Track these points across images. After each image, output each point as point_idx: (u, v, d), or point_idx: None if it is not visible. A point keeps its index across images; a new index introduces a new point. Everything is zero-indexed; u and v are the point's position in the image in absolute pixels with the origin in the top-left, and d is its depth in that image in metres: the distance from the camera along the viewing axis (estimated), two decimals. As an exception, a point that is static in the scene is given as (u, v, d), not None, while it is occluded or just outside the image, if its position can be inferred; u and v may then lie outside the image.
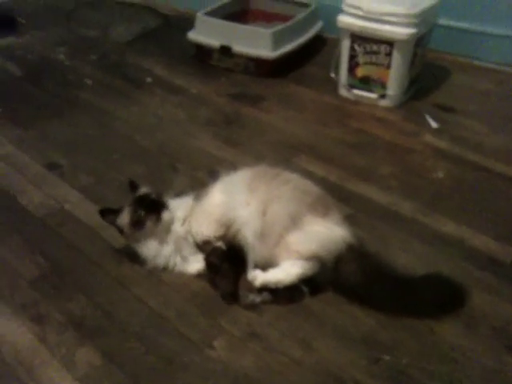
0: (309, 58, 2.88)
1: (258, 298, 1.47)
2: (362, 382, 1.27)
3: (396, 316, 1.42)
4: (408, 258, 1.59)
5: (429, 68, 2.64)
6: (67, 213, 1.80)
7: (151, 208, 1.53)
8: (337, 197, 1.66)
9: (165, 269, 1.56)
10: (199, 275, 1.55)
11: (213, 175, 1.72)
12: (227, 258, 1.51)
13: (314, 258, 1.46)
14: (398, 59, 2.35)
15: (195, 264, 1.56)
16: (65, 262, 1.61)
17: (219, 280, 1.50)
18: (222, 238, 1.53)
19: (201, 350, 1.35)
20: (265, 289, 1.47)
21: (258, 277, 1.47)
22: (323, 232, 1.49)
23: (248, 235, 1.50)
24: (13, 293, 1.51)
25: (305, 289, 1.48)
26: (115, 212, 1.57)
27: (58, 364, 1.31)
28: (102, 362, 1.31)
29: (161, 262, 1.55)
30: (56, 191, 1.91)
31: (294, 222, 1.49)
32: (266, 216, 1.51)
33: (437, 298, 1.46)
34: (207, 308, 1.46)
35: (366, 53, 2.41)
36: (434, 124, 2.32)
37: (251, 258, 1.51)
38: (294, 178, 1.62)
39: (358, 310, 1.44)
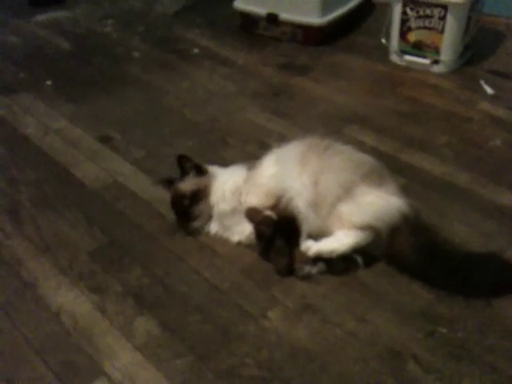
0: (358, 24, 2.82)
1: (313, 269, 1.46)
2: (419, 355, 1.26)
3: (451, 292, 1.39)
4: (466, 231, 1.55)
5: (483, 33, 2.53)
6: (121, 186, 1.83)
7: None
8: (390, 168, 1.62)
9: (213, 238, 1.59)
10: (251, 246, 1.55)
11: (264, 147, 1.71)
12: (279, 230, 1.51)
13: (367, 228, 1.45)
14: (452, 23, 2.27)
15: (237, 235, 1.58)
16: (121, 235, 1.64)
17: (274, 255, 1.49)
18: (273, 208, 1.52)
19: (256, 321, 1.36)
20: (319, 259, 1.46)
21: (311, 247, 1.46)
22: (377, 202, 1.47)
23: (300, 206, 1.49)
24: (71, 264, 1.54)
25: (359, 260, 1.47)
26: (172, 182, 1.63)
27: (117, 332, 1.34)
28: (160, 332, 1.34)
29: (208, 230, 1.60)
30: (109, 164, 1.94)
31: (347, 192, 1.47)
32: (318, 186, 1.49)
33: (493, 279, 1.42)
34: (261, 279, 1.47)
35: (419, 17, 2.33)
36: (489, 90, 2.23)
37: (304, 228, 1.50)
38: (347, 149, 1.59)
39: (412, 284, 1.42)
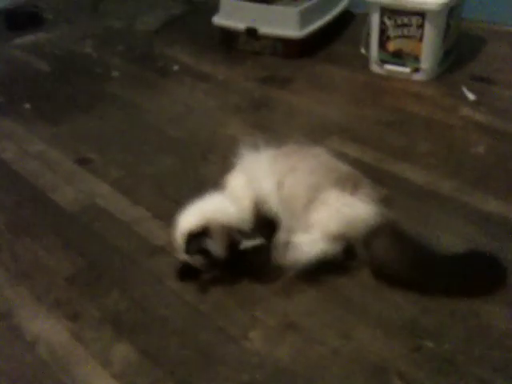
0: (337, 35, 2.80)
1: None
2: (405, 371, 1.22)
3: (437, 297, 1.36)
4: (450, 239, 1.51)
5: (463, 38, 2.52)
6: (100, 208, 1.79)
7: None
8: (372, 178, 1.59)
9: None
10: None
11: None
12: (260, 231, 1.47)
13: (337, 237, 1.41)
14: (430, 31, 2.25)
15: None
16: (99, 258, 1.60)
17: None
18: (253, 211, 1.48)
19: (237, 342, 1.32)
20: None
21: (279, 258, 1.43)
22: (348, 209, 1.43)
23: (273, 205, 1.46)
24: (48, 291, 1.50)
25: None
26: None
27: (94, 361, 1.30)
28: (138, 358, 1.30)
29: None
30: (88, 186, 1.90)
31: (316, 196, 1.44)
32: (284, 187, 1.46)
33: (479, 274, 1.40)
34: (243, 298, 1.43)
35: (397, 26, 2.32)
36: (471, 96, 2.21)
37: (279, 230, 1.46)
38: (321, 154, 1.56)
39: (398, 297, 1.38)
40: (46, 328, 1.40)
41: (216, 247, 1.43)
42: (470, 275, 1.39)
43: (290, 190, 1.46)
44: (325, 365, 1.25)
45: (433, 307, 1.35)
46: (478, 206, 1.65)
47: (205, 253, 1.42)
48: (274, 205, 1.46)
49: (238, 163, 1.58)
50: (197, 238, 1.41)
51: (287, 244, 1.43)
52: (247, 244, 1.44)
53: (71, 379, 1.27)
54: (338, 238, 1.41)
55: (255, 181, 1.49)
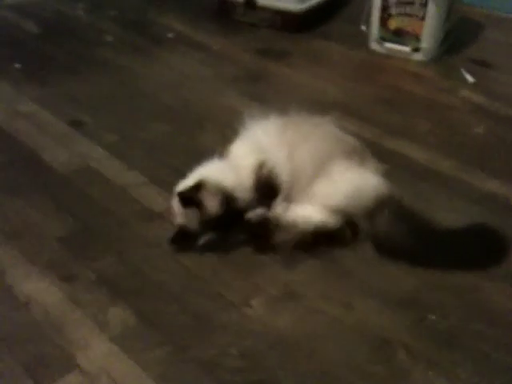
0: (337, 11, 2.76)
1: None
2: (409, 344, 1.21)
3: (439, 272, 1.36)
4: (451, 217, 1.51)
5: (463, 23, 2.52)
6: (93, 171, 1.74)
7: None
8: (372, 153, 1.57)
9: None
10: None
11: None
12: (262, 196, 1.45)
13: (341, 209, 1.40)
14: (433, 10, 2.24)
15: None
16: (94, 221, 1.55)
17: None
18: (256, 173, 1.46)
19: (238, 309, 1.29)
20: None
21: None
22: (356, 180, 1.42)
23: (280, 175, 1.44)
24: (40, 252, 1.45)
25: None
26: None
27: (90, 323, 1.26)
28: (135, 321, 1.26)
29: None
30: (81, 149, 1.84)
31: (323, 167, 1.43)
32: (294, 158, 1.44)
33: (481, 247, 1.40)
34: (241, 266, 1.41)
35: (400, 3, 2.30)
36: (470, 79, 2.21)
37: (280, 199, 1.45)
38: (328, 125, 1.54)
39: (399, 270, 1.37)
40: (39, 288, 1.35)
41: (211, 202, 1.41)
42: (472, 249, 1.39)
43: (299, 161, 1.43)
44: (327, 334, 1.24)
45: (435, 281, 1.35)
46: (479, 184, 1.65)
47: (199, 206, 1.40)
48: (281, 174, 1.43)
49: (242, 132, 1.54)
50: (192, 189, 1.41)
51: (286, 211, 1.42)
52: (252, 214, 1.42)
53: (66, 341, 1.23)
54: (341, 210, 1.40)
55: (263, 150, 1.46)
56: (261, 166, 1.44)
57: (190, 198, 1.40)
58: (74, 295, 1.33)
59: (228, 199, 1.41)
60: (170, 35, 2.63)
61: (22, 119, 2.00)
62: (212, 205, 1.41)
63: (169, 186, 1.53)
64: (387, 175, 1.51)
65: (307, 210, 1.43)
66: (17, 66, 2.36)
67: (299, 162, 1.43)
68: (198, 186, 1.41)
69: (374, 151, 1.61)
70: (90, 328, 1.26)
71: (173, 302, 1.31)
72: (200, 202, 1.40)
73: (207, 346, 1.21)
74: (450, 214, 1.52)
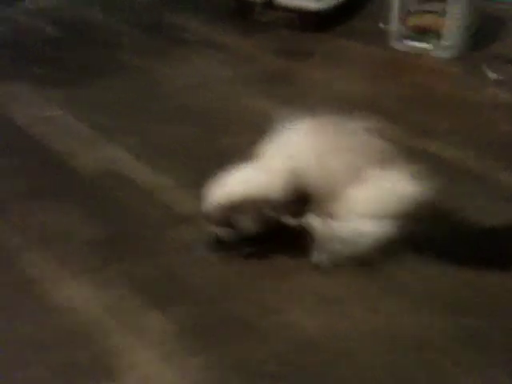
0: (357, 9, 2.74)
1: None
2: (446, 347, 1.19)
3: (477, 273, 1.34)
4: (488, 216, 1.48)
5: (486, 20, 2.49)
6: (120, 175, 1.73)
7: None
8: (401, 154, 1.55)
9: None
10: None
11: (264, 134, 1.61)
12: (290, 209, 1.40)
13: (384, 216, 1.37)
14: (454, 6, 2.21)
15: None
16: (124, 225, 1.54)
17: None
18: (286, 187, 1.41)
19: (278, 316, 1.28)
20: None
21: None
22: (393, 188, 1.39)
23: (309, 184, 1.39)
24: (73, 257, 1.45)
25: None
26: None
27: (126, 330, 1.26)
28: (174, 328, 1.25)
29: None
30: (106, 152, 1.84)
31: (357, 175, 1.39)
32: (325, 167, 1.40)
33: None
34: (276, 273, 1.39)
35: (420, 0, 2.27)
36: (494, 76, 2.19)
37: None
38: (357, 130, 1.52)
39: (437, 272, 1.35)
40: (72, 294, 1.34)
41: (246, 222, 1.38)
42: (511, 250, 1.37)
43: (332, 169, 1.41)
44: (364, 339, 1.22)
45: (473, 283, 1.33)
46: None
47: (234, 227, 1.38)
48: (312, 181, 1.41)
49: (272, 135, 1.53)
50: (222, 210, 1.37)
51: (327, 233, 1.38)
52: (288, 221, 1.40)
53: (100, 348, 1.22)
54: (385, 217, 1.37)
55: (294, 155, 1.44)
56: (292, 173, 1.42)
57: (221, 221, 1.38)
58: (108, 301, 1.33)
59: (265, 216, 1.38)
60: (188, 36, 2.63)
61: (45, 124, 2.00)
62: (245, 224, 1.38)
63: (196, 190, 1.50)
64: (420, 176, 1.49)
65: (363, 224, 1.38)
66: (37, 69, 2.37)
67: (332, 170, 1.41)
68: (233, 207, 1.37)
69: (402, 151, 1.59)
70: (125, 335, 1.25)
71: (210, 308, 1.31)
72: (232, 224, 1.38)
73: (246, 353, 1.20)
74: (486, 214, 1.50)
